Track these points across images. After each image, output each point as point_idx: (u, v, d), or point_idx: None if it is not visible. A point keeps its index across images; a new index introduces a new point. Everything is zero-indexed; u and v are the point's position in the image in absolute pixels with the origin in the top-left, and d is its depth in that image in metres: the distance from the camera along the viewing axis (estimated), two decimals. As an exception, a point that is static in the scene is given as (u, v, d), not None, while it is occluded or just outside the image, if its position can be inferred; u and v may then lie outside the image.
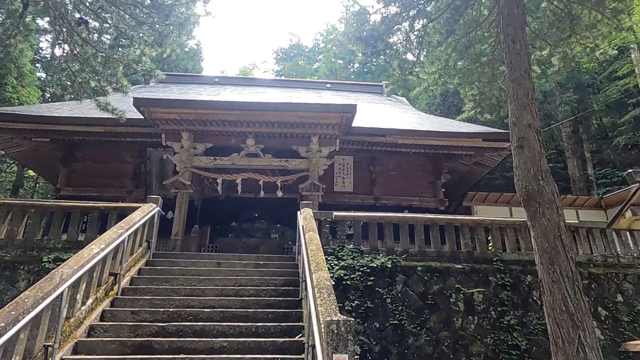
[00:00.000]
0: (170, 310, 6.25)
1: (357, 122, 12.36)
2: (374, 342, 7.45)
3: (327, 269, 5.84)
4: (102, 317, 6.11)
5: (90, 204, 8.62)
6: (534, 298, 8.29)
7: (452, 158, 14.34)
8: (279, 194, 12.00)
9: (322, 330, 4.23)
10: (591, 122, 21.23)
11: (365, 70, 32.75)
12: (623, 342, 7.72)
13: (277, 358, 5.24)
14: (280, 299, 6.77)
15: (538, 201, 7.02)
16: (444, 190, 14.49)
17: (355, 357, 3.80)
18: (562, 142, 22.47)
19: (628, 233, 9.34)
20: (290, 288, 7.16)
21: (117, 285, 6.76)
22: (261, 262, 8.15)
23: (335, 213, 8.85)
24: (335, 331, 3.84)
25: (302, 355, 5.31)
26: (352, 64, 35.46)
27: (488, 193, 14.68)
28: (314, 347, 5.14)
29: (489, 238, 9.18)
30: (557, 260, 6.60)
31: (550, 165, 25.75)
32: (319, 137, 12.02)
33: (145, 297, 6.63)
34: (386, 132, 12.99)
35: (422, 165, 14.79)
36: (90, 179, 14.00)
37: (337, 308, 4.77)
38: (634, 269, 8.85)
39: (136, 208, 8.19)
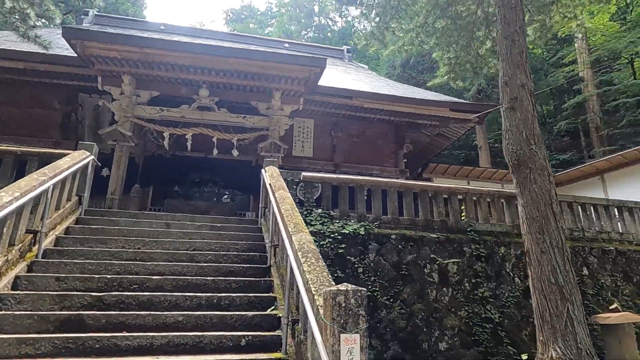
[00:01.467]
0: (109, 277, 4.98)
1: (322, 82, 11.35)
2: (345, 315, 6.65)
3: (307, 230, 4.88)
4: (15, 285, 4.72)
5: (3, 146, 6.90)
6: (507, 270, 7.92)
7: (416, 128, 13.77)
8: (235, 153, 10.75)
9: (319, 303, 3.28)
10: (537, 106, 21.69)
11: (322, 37, 31.32)
12: (589, 316, 7.57)
13: (247, 336, 4.23)
14: (244, 265, 5.72)
15: (529, 167, 6.48)
16: (405, 160, 13.94)
17: (365, 336, 2.90)
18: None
19: (592, 207, 9.25)
20: (255, 254, 6.12)
21: (37, 246, 5.33)
22: (218, 225, 6.99)
23: (304, 173, 7.84)
24: (344, 304, 2.90)
25: (278, 332, 4.36)
26: (307, 30, 33.84)
27: (448, 166, 14.37)
28: (294, 322, 4.21)
29: (462, 208, 8.68)
30: (547, 230, 6.12)
31: (496, 145, 26.06)
32: (282, 92, 10.83)
33: (76, 260, 5.29)
34: (353, 94, 12.06)
35: (385, 134, 14.09)
36: (6, 127, 11.75)
37: (329, 275, 3.85)
38: (598, 243, 8.78)
39: (64, 155, 6.65)
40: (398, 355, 6.68)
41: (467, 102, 12.89)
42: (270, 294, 5.14)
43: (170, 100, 10.81)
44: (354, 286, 3.07)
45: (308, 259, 4.04)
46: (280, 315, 4.57)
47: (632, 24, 25.20)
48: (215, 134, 10.70)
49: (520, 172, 6.54)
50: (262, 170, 7.66)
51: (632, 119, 23.99)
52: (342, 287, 3.02)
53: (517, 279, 7.85)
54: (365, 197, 8.18)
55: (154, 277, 5.10)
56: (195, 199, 12.41)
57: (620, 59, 26.19)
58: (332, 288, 3.03)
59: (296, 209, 5.57)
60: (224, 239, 6.52)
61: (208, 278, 5.24)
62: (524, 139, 6.57)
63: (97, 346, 3.87)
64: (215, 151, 10.62)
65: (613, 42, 22.46)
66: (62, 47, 10.61)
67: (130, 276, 5.07)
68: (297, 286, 4.02)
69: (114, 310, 4.47)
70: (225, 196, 13.46)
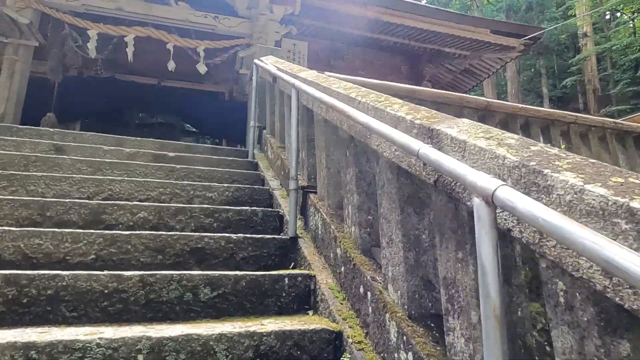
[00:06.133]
0: None
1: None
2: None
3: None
4: None
5: None
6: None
7: (439, 60, 10.43)
8: (201, 69, 7.02)
9: None
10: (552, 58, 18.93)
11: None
12: None
13: None
14: (230, 237, 2.20)
15: None
16: (423, 102, 10.62)
17: None
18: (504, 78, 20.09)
19: None
20: (253, 210, 2.60)
21: None
22: (170, 154, 3.34)
23: (327, 73, 4.31)
24: None
25: None
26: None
27: (475, 110, 11.21)
28: None
29: (563, 147, 5.51)
30: None
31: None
32: (273, -18, 7.10)
33: None
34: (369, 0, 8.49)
35: (398, 68, 10.67)
36: None
37: None
38: None
39: None
40: None
41: (516, 23, 9.67)
42: (318, 318, 1.72)
43: (101, -16, 6.86)
44: None
45: None
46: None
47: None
48: (170, 38, 6.89)
49: None
50: (255, 62, 4.03)
51: (629, 80, 21.86)
52: None
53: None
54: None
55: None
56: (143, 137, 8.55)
57: (620, 17, 23.92)
58: None
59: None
60: (180, 178, 2.95)
61: (129, 276, 1.71)
62: None
63: None
64: (171, 64, 6.84)
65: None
66: None
67: None
68: None
69: None
70: (185, 136, 9.69)
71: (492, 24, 9.19)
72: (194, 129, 9.73)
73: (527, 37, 9.22)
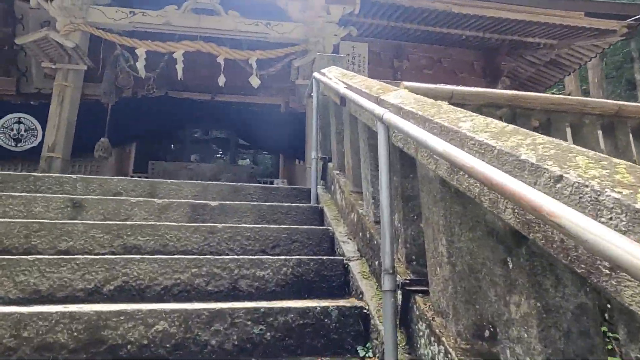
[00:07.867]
0: None
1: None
2: None
3: None
4: None
5: None
6: None
7: (518, 52, 9.03)
8: (254, 82, 6.36)
9: None
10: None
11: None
12: None
13: None
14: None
15: None
16: (501, 101, 9.23)
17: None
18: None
19: None
20: (326, 310, 1.72)
21: None
22: (212, 203, 2.55)
23: (405, 83, 3.35)
24: None
25: None
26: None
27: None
28: None
29: None
30: None
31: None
32: (329, -20, 6.24)
33: None
34: (437, -11, 7.36)
35: (470, 63, 9.38)
36: None
37: None
38: None
39: None
40: None
41: (612, 1, 8.06)
42: None
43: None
44: None
45: None
46: None
47: None
48: (221, 51, 6.27)
49: None
50: (315, 76, 3.17)
51: None
52: None
53: None
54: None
55: None
56: (197, 160, 8.08)
57: None
58: None
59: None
60: (222, 244, 2.15)
61: None
62: None
63: None
64: (221, 79, 6.23)
65: None
66: None
67: None
68: None
69: None
70: (244, 157, 9.11)
71: (586, 6, 7.65)
72: (248, 143, 9.13)
73: (634, 18, 7.58)
